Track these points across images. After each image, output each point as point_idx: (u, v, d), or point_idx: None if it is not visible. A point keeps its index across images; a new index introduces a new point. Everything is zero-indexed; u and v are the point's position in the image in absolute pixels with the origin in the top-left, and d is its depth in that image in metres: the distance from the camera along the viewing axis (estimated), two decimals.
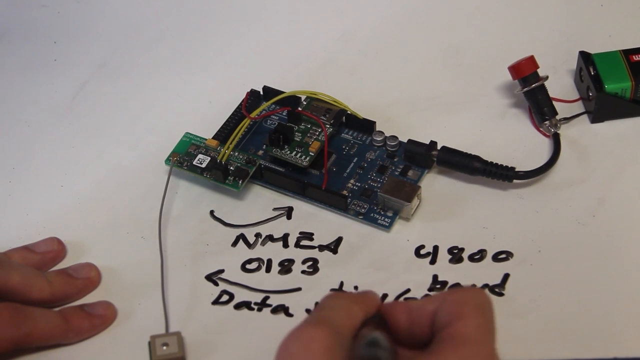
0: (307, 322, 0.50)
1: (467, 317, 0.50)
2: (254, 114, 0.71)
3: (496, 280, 0.63)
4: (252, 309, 0.62)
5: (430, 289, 0.62)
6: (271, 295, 0.63)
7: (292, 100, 0.71)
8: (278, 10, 0.82)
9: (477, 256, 0.64)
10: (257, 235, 0.66)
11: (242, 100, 0.73)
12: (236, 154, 0.68)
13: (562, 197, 0.67)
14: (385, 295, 0.62)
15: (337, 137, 0.71)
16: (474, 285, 0.62)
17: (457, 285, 0.62)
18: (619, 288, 0.62)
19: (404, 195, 0.65)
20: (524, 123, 0.72)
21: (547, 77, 0.71)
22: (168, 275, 0.64)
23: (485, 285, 0.62)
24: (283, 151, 0.69)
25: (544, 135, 0.71)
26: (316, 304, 0.60)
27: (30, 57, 0.80)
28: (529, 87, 0.70)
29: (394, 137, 0.70)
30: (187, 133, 0.70)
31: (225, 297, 0.63)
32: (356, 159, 0.70)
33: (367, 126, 0.71)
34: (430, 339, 0.51)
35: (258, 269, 0.65)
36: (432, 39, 0.79)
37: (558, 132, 0.70)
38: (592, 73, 0.71)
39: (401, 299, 0.62)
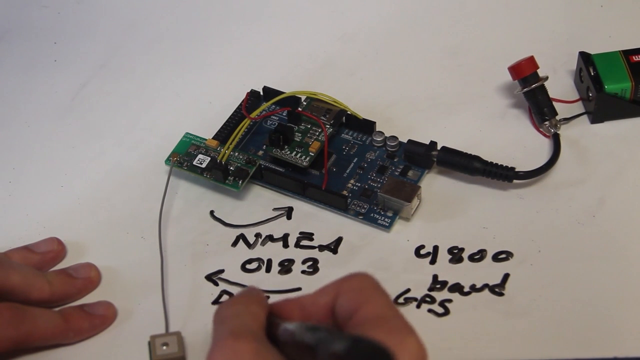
0: (221, 338, 0.50)
1: (372, 298, 0.50)
2: (254, 114, 0.71)
3: (496, 280, 0.63)
4: None
5: (430, 289, 0.62)
6: (271, 295, 0.63)
7: (292, 101, 0.71)
8: (278, 10, 0.82)
9: (477, 256, 0.64)
10: (257, 235, 0.66)
11: (242, 101, 0.73)
12: (236, 154, 0.68)
13: (562, 197, 0.67)
14: None
15: (337, 138, 0.71)
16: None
17: (457, 285, 0.62)
18: (619, 288, 0.62)
19: (404, 195, 0.65)
20: (524, 123, 0.72)
21: (547, 78, 0.71)
22: (168, 275, 0.64)
23: (485, 285, 0.62)
24: (283, 151, 0.69)
25: (544, 135, 0.71)
26: None
27: (30, 58, 0.80)
28: (529, 87, 0.70)
29: (394, 138, 0.70)
30: (187, 133, 0.70)
31: (225, 297, 0.63)
32: (356, 159, 0.70)
33: (367, 126, 0.71)
34: None
35: (258, 269, 0.65)
36: (432, 39, 0.79)
37: (558, 132, 0.70)
38: (592, 73, 0.71)
39: (401, 299, 0.62)
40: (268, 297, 0.61)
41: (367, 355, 0.45)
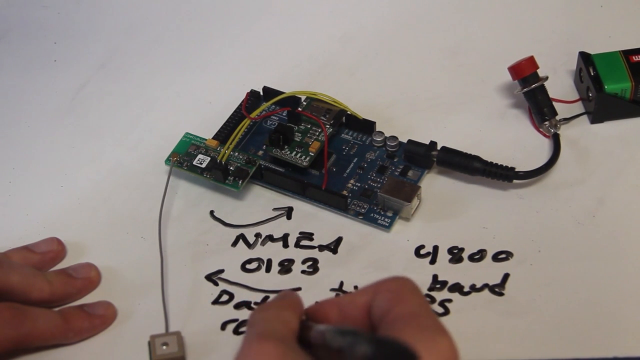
0: (249, 340, 0.50)
1: (407, 298, 0.50)
2: (254, 114, 0.71)
3: (496, 280, 0.63)
4: (252, 309, 0.62)
5: (430, 289, 0.62)
6: (271, 295, 0.63)
7: (292, 101, 0.71)
8: (278, 10, 0.82)
9: (477, 256, 0.64)
10: (257, 235, 0.66)
11: (242, 101, 0.73)
12: (236, 154, 0.68)
13: (562, 197, 0.67)
14: None
15: (337, 138, 0.71)
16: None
17: (457, 285, 0.62)
18: (619, 288, 0.62)
19: (404, 195, 0.65)
20: (524, 123, 0.72)
21: (547, 78, 0.71)
22: (168, 275, 0.64)
23: (485, 285, 0.62)
24: (283, 151, 0.69)
25: (544, 135, 0.71)
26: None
27: (30, 58, 0.80)
28: (528, 87, 0.70)
29: (394, 138, 0.70)
30: (187, 133, 0.70)
31: (225, 297, 0.63)
32: (356, 159, 0.70)
33: (367, 126, 0.71)
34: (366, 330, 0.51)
35: (258, 269, 0.65)
36: (432, 39, 0.79)
37: (558, 132, 0.70)
38: (592, 73, 0.71)
39: None
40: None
41: (391, 357, 0.45)
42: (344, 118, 0.71)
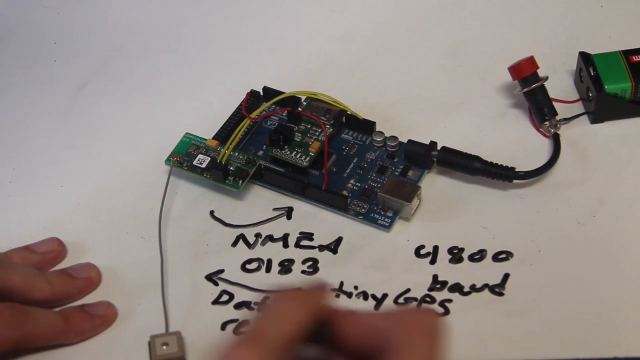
0: (238, 340, 0.45)
1: (412, 345, 0.45)
2: (254, 115, 0.71)
3: (496, 280, 0.63)
4: (252, 309, 0.62)
5: (430, 289, 0.62)
6: (271, 295, 0.63)
7: (292, 101, 0.71)
8: (278, 10, 0.82)
9: (477, 256, 0.64)
10: (257, 235, 0.66)
11: (242, 101, 0.73)
12: (236, 154, 0.68)
13: (562, 197, 0.67)
14: (385, 295, 0.62)
15: (337, 138, 0.71)
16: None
17: (457, 285, 0.62)
18: (619, 288, 0.62)
19: (404, 195, 0.65)
20: (524, 123, 0.72)
21: (547, 78, 0.71)
22: (168, 275, 0.64)
23: (485, 285, 0.62)
24: (283, 151, 0.69)
25: (544, 135, 0.71)
26: None
27: (30, 58, 0.80)
28: (528, 87, 0.70)
29: (394, 138, 0.70)
30: (187, 133, 0.70)
31: (225, 297, 0.63)
32: (356, 159, 0.70)
33: (367, 126, 0.71)
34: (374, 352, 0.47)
35: (258, 269, 0.65)
36: (432, 40, 0.79)
37: (558, 132, 0.70)
38: (592, 73, 0.71)
39: (401, 299, 0.62)
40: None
41: None
42: (344, 118, 0.71)
